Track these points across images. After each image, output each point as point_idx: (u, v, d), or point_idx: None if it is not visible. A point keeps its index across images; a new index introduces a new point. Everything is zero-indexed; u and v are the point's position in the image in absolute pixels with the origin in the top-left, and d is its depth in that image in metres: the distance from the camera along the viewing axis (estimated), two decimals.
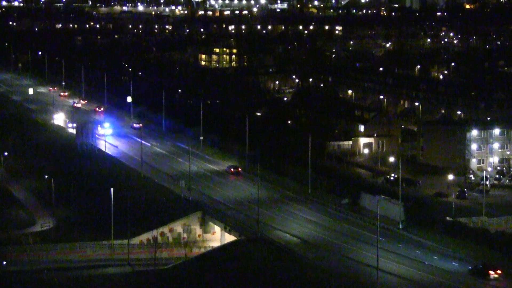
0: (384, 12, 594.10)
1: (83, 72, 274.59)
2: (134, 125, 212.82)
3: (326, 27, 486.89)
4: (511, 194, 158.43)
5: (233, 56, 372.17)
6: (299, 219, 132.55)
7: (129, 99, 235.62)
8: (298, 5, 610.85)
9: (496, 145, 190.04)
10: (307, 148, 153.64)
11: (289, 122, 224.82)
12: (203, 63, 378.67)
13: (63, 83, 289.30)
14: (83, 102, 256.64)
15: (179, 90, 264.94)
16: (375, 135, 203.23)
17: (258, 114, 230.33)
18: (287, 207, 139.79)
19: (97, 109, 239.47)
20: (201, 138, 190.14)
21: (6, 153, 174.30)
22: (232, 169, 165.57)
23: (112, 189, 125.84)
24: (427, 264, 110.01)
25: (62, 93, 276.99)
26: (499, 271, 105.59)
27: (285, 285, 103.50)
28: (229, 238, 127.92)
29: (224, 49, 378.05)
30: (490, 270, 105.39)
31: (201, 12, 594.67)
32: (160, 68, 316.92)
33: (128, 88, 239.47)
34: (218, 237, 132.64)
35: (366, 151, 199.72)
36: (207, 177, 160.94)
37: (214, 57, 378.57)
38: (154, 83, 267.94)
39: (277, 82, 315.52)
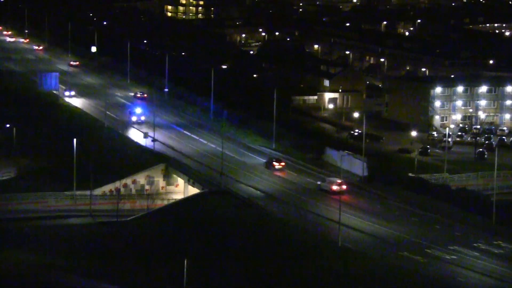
0: None
1: (46, 21, 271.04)
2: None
3: None
4: (472, 151, 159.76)
5: (200, 7, 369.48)
6: (263, 173, 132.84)
7: (93, 49, 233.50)
8: None
9: (459, 103, 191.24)
10: (272, 102, 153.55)
11: (254, 75, 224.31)
12: (169, 14, 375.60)
13: (26, 31, 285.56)
14: (76, 63, 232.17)
15: (145, 41, 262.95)
16: (340, 90, 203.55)
17: (224, 67, 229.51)
18: (252, 161, 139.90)
19: (72, 62, 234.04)
20: (166, 90, 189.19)
21: None
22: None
23: (75, 139, 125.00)
24: (387, 219, 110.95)
25: (37, 47, 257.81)
26: (282, 163, 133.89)
27: (247, 238, 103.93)
28: (193, 190, 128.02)
29: (191, 0, 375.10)
30: (274, 162, 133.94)
31: None
32: (125, 18, 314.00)
33: (93, 37, 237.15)
34: (181, 189, 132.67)
35: (331, 106, 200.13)
36: (171, 129, 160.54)
37: (181, 8, 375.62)
38: (119, 33, 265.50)
39: (243, 35, 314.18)
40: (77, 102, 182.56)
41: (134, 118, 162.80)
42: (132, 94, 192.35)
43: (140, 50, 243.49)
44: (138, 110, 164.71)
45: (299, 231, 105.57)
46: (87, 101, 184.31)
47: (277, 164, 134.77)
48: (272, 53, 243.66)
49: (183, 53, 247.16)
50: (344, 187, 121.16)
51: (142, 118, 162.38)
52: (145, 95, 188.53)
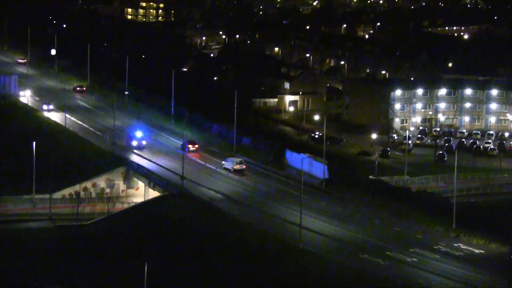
0: None
1: (5, 24, 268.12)
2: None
3: None
4: (432, 154, 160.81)
5: (160, 10, 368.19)
6: (223, 176, 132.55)
7: (53, 51, 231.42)
8: None
9: (419, 105, 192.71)
10: (232, 104, 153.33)
11: (215, 78, 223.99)
12: (129, 17, 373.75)
13: None
14: (23, 61, 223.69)
15: (105, 44, 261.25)
16: (300, 92, 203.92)
17: (184, 69, 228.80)
18: (213, 164, 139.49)
19: (20, 60, 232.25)
20: (127, 92, 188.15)
21: None
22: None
23: (34, 142, 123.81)
24: (348, 222, 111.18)
25: (20, 60, 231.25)
26: (196, 146, 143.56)
27: (207, 241, 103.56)
28: (153, 193, 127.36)
29: (151, 3, 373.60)
30: (189, 144, 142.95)
31: None
32: (85, 21, 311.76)
33: (52, 40, 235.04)
34: (141, 192, 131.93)
35: (291, 108, 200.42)
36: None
37: (141, 11, 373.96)
38: (78, 36, 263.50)
39: (203, 37, 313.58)
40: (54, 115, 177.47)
41: (134, 143, 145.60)
42: (94, 97, 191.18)
43: (100, 53, 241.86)
44: (139, 133, 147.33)
45: (260, 234, 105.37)
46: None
47: (191, 146, 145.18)
48: (232, 55, 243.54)
49: (143, 56, 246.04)
50: (244, 166, 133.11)
51: (144, 142, 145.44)
52: (84, 88, 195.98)
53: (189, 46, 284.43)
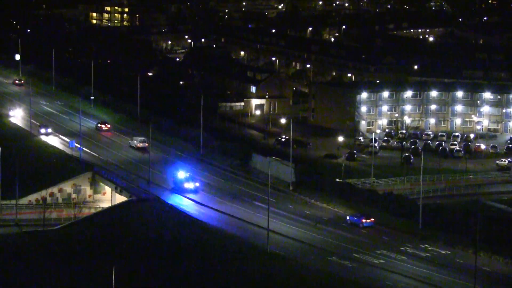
0: None
1: None
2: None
3: None
4: (398, 156, 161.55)
5: (125, 14, 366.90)
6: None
7: (17, 57, 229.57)
8: None
9: (385, 108, 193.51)
10: (199, 108, 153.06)
11: (181, 82, 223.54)
12: (94, 21, 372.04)
13: None
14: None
15: (70, 48, 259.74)
16: (267, 96, 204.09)
17: (150, 74, 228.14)
18: (179, 168, 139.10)
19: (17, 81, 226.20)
20: (92, 97, 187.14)
21: None
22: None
23: None
24: (316, 225, 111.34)
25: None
26: (108, 125, 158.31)
27: (174, 245, 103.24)
28: (120, 198, 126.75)
29: (116, 7, 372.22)
30: (101, 124, 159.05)
31: None
32: (50, 26, 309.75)
33: (17, 45, 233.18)
34: (108, 197, 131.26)
35: (258, 112, 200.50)
36: (98, 137, 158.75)
37: (106, 15, 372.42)
38: (43, 41, 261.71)
39: (169, 41, 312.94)
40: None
41: (189, 185, 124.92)
42: (59, 102, 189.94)
43: (65, 58, 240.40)
44: (181, 174, 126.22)
45: (227, 237, 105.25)
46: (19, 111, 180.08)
47: (104, 126, 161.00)
48: (198, 60, 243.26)
49: (108, 61, 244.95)
50: (146, 144, 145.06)
51: (197, 184, 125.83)
52: (22, 81, 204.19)
53: (154, 50, 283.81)
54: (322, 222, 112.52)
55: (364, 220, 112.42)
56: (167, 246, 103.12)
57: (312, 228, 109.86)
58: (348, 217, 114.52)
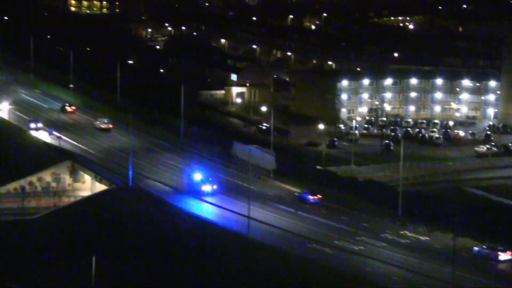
0: None
1: None
2: None
3: None
4: (379, 143, 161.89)
5: (104, 2, 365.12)
6: (171, 168, 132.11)
7: None
8: None
9: (365, 95, 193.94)
10: (179, 97, 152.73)
11: (161, 70, 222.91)
12: (73, 9, 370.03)
13: None
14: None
15: (48, 36, 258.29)
16: (247, 84, 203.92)
17: (130, 62, 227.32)
18: (159, 156, 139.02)
19: None
20: (71, 86, 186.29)
21: None
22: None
23: None
24: (296, 212, 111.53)
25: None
26: (73, 107, 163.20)
27: (155, 233, 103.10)
28: (100, 187, 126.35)
29: None
30: (66, 106, 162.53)
31: None
32: (28, 13, 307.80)
33: None
34: (88, 186, 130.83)
35: (238, 100, 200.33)
36: (78, 126, 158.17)
37: (85, 3, 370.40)
38: (21, 29, 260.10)
39: (149, 29, 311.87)
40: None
41: (206, 188, 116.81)
42: (38, 91, 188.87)
43: (44, 46, 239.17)
44: (198, 176, 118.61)
45: (208, 226, 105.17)
46: None
47: (69, 108, 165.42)
48: (178, 48, 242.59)
49: (88, 49, 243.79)
50: (110, 126, 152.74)
51: (215, 186, 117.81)
52: None
53: (134, 38, 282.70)
54: (302, 209, 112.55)
55: (310, 197, 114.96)
56: (147, 235, 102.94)
57: (292, 215, 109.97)
58: (296, 194, 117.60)
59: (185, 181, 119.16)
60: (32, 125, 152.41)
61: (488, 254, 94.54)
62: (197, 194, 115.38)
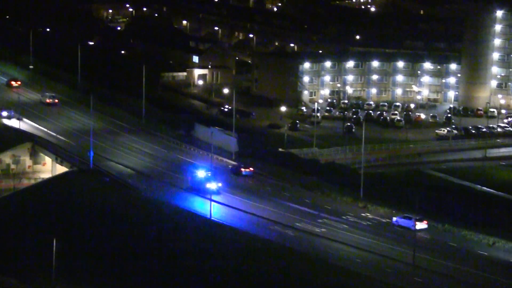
0: None
1: None
2: None
3: None
4: (340, 126, 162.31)
5: None
6: (133, 150, 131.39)
7: None
8: None
9: (327, 78, 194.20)
10: (141, 79, 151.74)
11: (122, 52, 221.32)
12: None
13: None
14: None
15: (7, 16, 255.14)
16: (209, 66, 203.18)
17: (91, 43, 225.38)
18: (121, 138, 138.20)
19: None
20: (31, 67, 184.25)
21: None
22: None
23: None
24: (261, 192, 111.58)
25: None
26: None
27: (116, 216, 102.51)
28: (61, 169, 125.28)
29: None
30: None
31: None
32: None
33: None
34: (49, 168, 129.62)
35: (200, 82, 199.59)
36: (38, 107, 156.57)
37: None
38: None
39: (110, 10, 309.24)
40: None
41: (212, 186, 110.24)
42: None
43: (3, 26, 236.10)
44: (201, 173, 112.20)
45: (169, 208, 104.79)
46: None
47: (15, 83, 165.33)
48: (140, 29, 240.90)
49: (48, 29, 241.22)
50: (56, 100, 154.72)
51: (219, 184, 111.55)
52: None
53: (95, 19, 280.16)
54: (265, 192, 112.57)
55: (243, 169, 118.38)
56: (109, 218, 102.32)
57: (255, 198, 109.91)
58: (230, 166, 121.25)
59: (189, 179, 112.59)
60: (4, 113, 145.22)
61: (406, 224, 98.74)
62: (202, 192, 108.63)
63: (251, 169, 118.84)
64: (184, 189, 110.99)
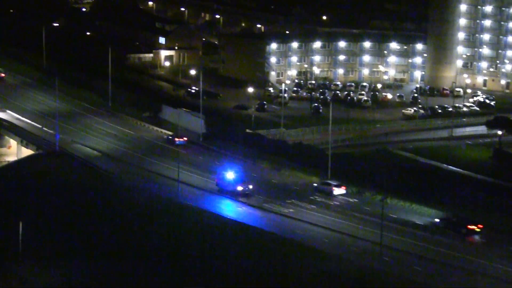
0: None
1: None
2: None
3: None
4: (308, 106, 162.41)
5: None
6: (100, 133, 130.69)
7: None
8: None
9: (294, 59, 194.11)
10: (107, 60, 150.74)
11: (88, 33, 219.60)
12: None
13: None
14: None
15: None
16: (176, 47, 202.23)
17: (56, 25, 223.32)
18: (87, 120, 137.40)
19: None
20: None
21: None
22: None
23: None
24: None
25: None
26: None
27: (83, 199, 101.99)
28: (26, 152, 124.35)
29: None
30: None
31: None
32: None
33: None
34: (14, 151, 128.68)
35: (167, 63, 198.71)
36: (2, 90, 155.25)
37: None
38: None
39: None
40: None
41: (240, 188, 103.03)
42: None
43: None
44: (230, 175, 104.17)
45: (138, 190, 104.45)
46: None
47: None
48: (105, 10, 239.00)
49: (11, 11, 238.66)
50: (3, 74, 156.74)
51: (250, 186, 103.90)
52: None
53: (59, 1, 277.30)
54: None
55: (176, 139, 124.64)
56: (75, 201, 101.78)
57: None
58: (165, 137, 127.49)
59: (218, 181, 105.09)
60: None
61: (325, 189, 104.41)
62: (231, 194, 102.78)
63: (185, 138, 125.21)
64: (216, 192, 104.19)
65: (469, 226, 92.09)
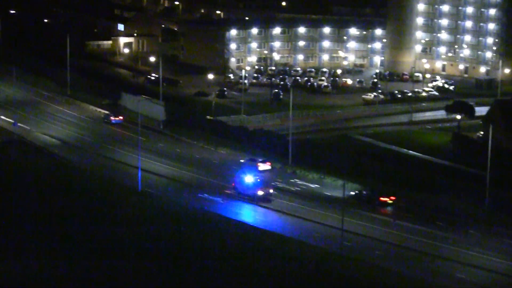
0: None
1: None
2: None
3: None
4: (268, 92, 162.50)
5: None
6: (59, 120, 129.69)
7: None
8: None
9: (254, 45, 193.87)
10: (65, 48, 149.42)
11: (45, 20, 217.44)
12: None
13: None
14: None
15: None
16: (135, 34, 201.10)
17: (12, 12, 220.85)
18: (46, 108, 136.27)
19: None
20: None
21: None
22: None
23: None
24: (187, 162, 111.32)
25: None
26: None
27: (44, 188, 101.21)
28: None
29: None
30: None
31: None
32: None
33: None
34: None
35: (126, 50, 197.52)
36: None
37: None
38: None
39: None
40: None
41: (260, 192, 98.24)
42: None
43: None
44: (250, 178, 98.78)
45: (97, 178, 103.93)
46: None
47: None
48: None
49: None
50: None
51: (271, 190, 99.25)
52: None
53: None
54: (193, 159, 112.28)
55: (112, 118, 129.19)
56: (36, 190, 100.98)
57: (183, 166, 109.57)
58: (102, 116, 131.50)
59: (236, 185, 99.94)
60: None
61: (252, 166, 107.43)
62: (250, 198, 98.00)
63: (121, 117, 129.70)
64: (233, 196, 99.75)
65: (381, 198, 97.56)
